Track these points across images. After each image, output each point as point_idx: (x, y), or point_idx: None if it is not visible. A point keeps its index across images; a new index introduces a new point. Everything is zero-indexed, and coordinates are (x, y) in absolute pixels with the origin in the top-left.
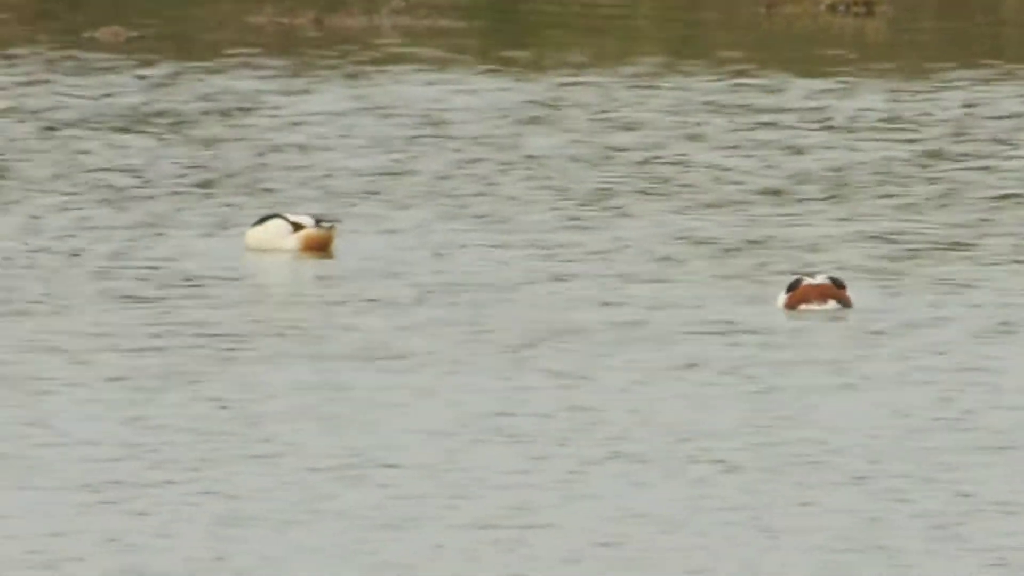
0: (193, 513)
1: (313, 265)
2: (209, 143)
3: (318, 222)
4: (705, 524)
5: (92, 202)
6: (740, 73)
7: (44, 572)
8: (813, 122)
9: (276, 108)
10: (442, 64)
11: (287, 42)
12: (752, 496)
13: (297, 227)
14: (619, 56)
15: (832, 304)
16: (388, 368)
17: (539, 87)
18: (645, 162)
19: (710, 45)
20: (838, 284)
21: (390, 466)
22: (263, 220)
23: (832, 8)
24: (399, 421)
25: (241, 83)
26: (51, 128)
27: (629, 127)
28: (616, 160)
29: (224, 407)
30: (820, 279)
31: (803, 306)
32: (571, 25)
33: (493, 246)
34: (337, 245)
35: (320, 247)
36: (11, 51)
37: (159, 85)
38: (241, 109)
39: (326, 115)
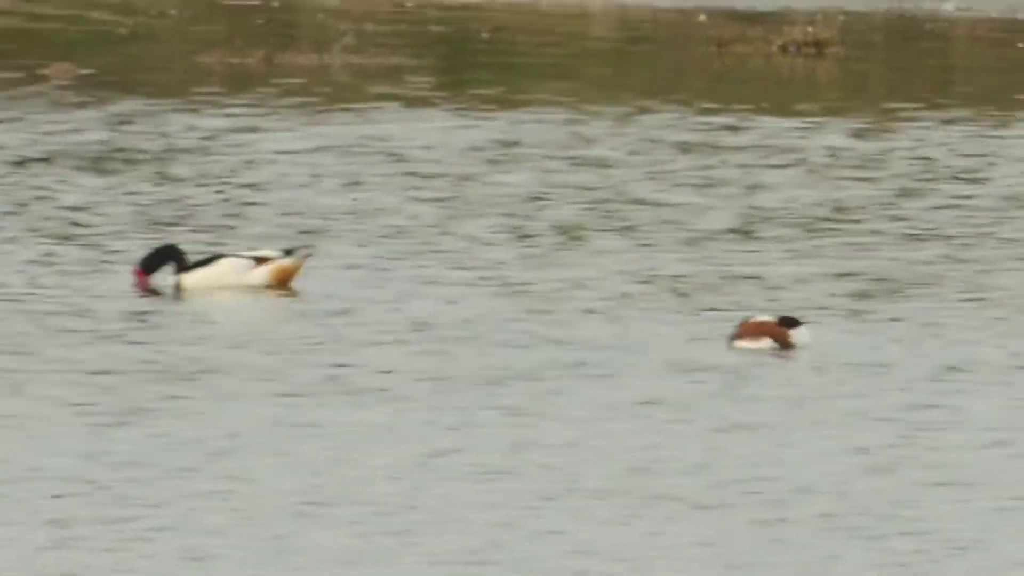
0: (153, 549)
1: (272, 301)
2: (168, 180)
3: (288, 252)
4: (666, 561)
5: (49, 239)
6: (701, 111)
7: None
8: (774, 160)
9: (236, 146)
10: (401, 101)
11: (240, 82)
12: (713, 532)
13: (260, 260)
14: (577, 94)
15: (767, 342)
16: (348, 404)
17: (498, 124)
18: (605, 200)
19: (667, 84)
20: (788, 322)
21: (351, 503)
22: (205, 261)
23: (783, 49)
24: (359, 458)
25: (201, 121)
26: (8, 163)
27: (587, 164)
28: (576, 198)
29: (183, 443)
30: (764, 317)
31: (738, 343)
32: (526, 64)
33: (453, 284)
34: (298, 281)
35: (288, 279)
36: None
37: (116, 122)
38: (200, 148)
39: (287, 153)
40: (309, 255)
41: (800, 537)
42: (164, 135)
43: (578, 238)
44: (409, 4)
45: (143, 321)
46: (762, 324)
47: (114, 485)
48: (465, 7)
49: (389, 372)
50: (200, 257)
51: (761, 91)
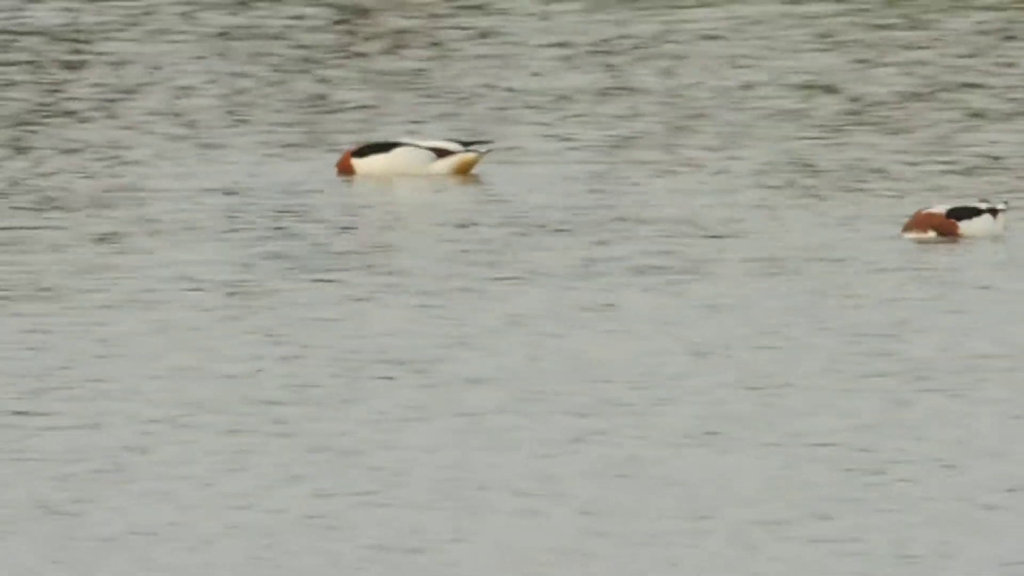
0: None
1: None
2: None
3: (466, 145)
4: None
5: None
6: None
7: None
8: None
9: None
10: None
11: None
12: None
13: (441, 152)
14: None
15: (932, 234)
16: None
17: None
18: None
19: None
20: (960, 213)
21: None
22: (381, 147)
23: None
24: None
25: None
26: None
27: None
28: None
29: None
30: (937, 208)
31: (907, 234)
32: None
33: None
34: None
35: (468, 171)
36: None
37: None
38: None
39: None
40: (489, 150)
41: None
42: None
43: None
44: None
45: None
46: (931, 216)
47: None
48: None
49: (325, 405)
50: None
51: None
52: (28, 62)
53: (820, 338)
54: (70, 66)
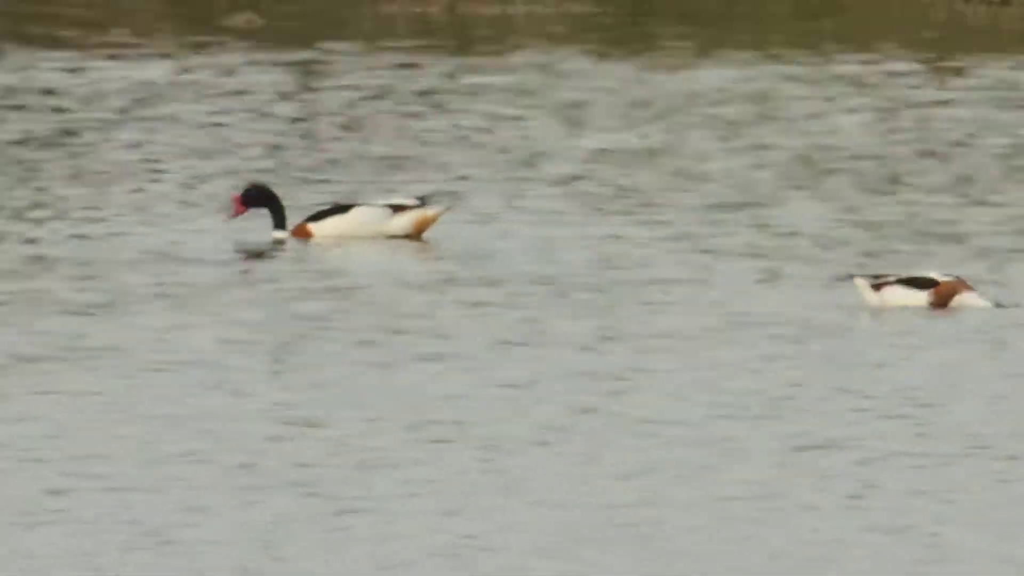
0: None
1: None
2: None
3: (422, 200)
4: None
5: None
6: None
7: None
8: None
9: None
10: (584, 49)
11: (424, 30)
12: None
13: (397, 208)
14: (762, 46)
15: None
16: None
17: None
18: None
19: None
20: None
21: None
22: (334, 210)
23: None
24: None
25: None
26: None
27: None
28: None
29: None
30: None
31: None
32: (712, 11)
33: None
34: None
35: (425, 229)
36: (145, 42)
37: (305, 72)
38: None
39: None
40: (449, 207)
41: None
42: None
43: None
44: None
45: None
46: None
47: None
48: None
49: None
50: (325, 207)
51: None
52: None
53: None
54: None
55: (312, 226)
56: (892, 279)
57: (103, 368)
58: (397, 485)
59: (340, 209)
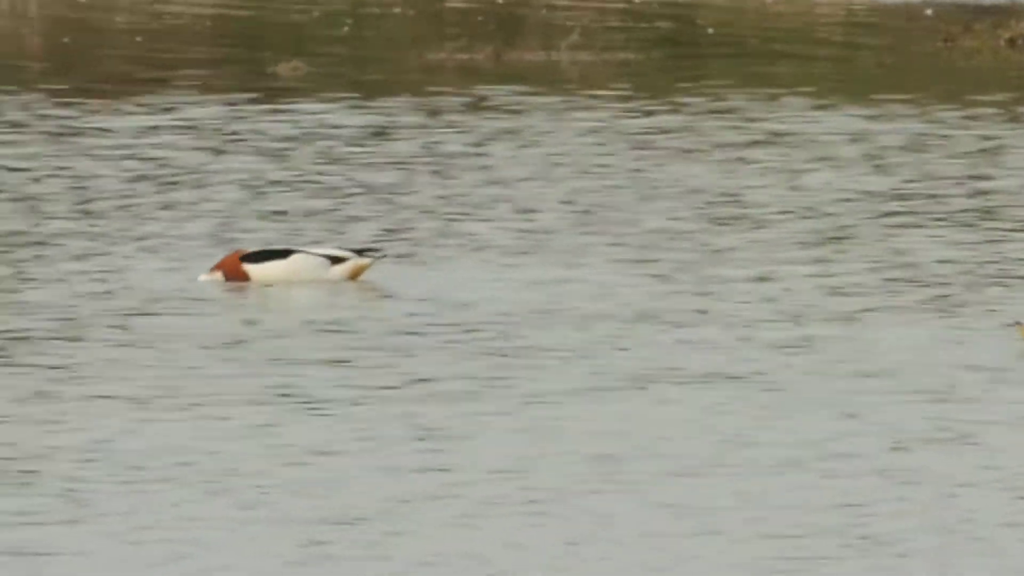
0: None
1: None
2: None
3: (360, 252)
4: None
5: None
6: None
7: None
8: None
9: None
10: (630, 93)
11: (470, 77)
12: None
13: (335, 260)
14: (808, 90)
15: None
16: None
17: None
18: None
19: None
20: None
21: None
22: (275, 254)
23: (1011, 42)
24: None
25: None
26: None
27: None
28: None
29: None
30: None
31: None
32: (753, 59)
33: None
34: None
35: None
36: (200, 95)
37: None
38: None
39: None
40: (383, 255)
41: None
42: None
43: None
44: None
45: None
46: None
47: None
48: (690, 4)
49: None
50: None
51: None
52: None
53: None
54: None
55: (249, 267)
56: None
57: None
58: None
59: (278, 254)
